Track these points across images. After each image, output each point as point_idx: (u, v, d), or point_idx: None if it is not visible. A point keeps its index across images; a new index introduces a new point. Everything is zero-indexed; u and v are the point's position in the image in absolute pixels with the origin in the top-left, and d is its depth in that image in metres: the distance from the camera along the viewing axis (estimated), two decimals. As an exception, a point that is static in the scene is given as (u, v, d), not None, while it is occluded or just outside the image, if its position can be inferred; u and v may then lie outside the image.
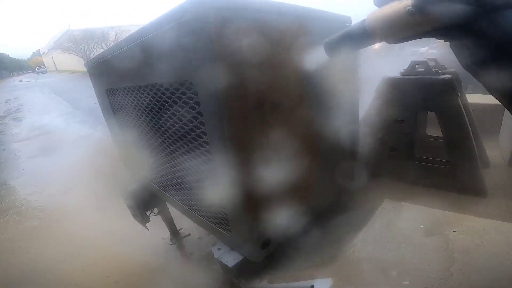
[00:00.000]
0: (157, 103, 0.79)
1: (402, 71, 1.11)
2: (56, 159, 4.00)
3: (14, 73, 64.96)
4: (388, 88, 1.12)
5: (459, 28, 0.33)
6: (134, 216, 1.57)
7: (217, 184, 0.70)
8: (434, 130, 1.33)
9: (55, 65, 49.56)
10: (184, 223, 1.89)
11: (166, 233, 1.80)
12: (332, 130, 0.84)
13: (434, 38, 0.41)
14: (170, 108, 0.72)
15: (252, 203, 0.65)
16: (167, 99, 0.72)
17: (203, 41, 0.52)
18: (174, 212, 1.69)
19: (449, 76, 0.96)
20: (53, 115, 7.52)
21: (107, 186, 2.55)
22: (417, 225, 0.60)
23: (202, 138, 0.65)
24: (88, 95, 10.78)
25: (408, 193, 0.83)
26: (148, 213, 1.54)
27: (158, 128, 0.86)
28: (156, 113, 0.82)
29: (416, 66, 1.07)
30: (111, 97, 1.19)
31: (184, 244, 1.79)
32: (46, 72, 48.29)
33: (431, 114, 1.30)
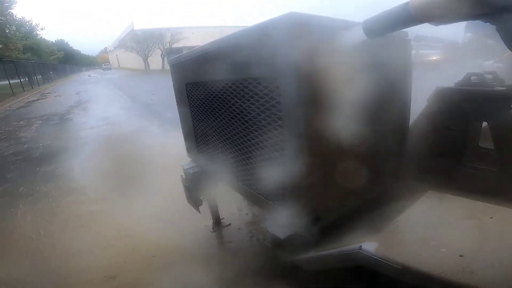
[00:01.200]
0: (237, 94, 0.97)
1: (456, 82, 1.16)
2: (118, 147, 4.52)
3: (84, 68, 72.76)
4: (441, 97, 1.17)
5: (506, 9, 0.34)
6: (189, 198, 1.77)
7: (282, 165, 0.85)
8: (488, 143, 1.34)
9: (118, 62, 54.25)
10: (226, 214, 2.08)
11: (209, 221, 2.00)
12: (383, 128, 0.95)
13: (481, 22, 0.40)
14: (250, 98, 0.90)
15: (310, 181, 0.79)
16: (249, 91, 0.90)
17: (289, 47, 0.69)
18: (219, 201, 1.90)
19: (503, 88, 1.00)
20: (116, 108, 8.37)
21: (161, 172, 2.88)
22: (457, 211, 0.69)
23: (277, 122, 0.81)
24: (144, 91, 11.92)
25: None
26: (201, 197, 1.74)
27: (235, 117, 1.04)
28: (235, 103, 1.01)
29: (472, 77, 1.11)
30: (189, 90, 1.42)
31: (224, 233, 1.97)
32: (110, 68, 53.34)
33: (485, 127, 1.31)
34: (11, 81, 17.06)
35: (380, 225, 0.74)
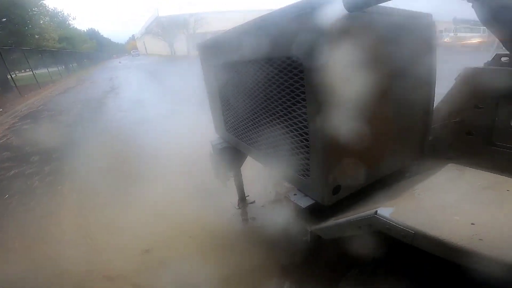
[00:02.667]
0: (263, 73, 1.03)
1: (486, 62, 1.13)
2: (151, 127, 4.75)
3: (114, 55, 75.62)
4: (470, 77, 1.15)
5: None
6: (217, 174, 1.88)
7: (307, 138, 0.91)
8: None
9: (145, 49, 55.57)
10: (251, 192, 2.18)
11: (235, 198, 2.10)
12: (407, 106, 0.97)
13: None
14: (275, 76, 0.95)
15: (332, 153, 0.84)
16: (274, 70, 0.95)
17: (315, 29, 0.72)
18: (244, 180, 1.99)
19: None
20: (147, 92, 8.73)
21: (191, 152, 3.03)
22: (476, 183, 0.70)
23: (301, 101, 0.87)
24: (171, 74, 12.23)
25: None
26: (228, 173, 1.84)
27: (260, 94, 1.10)
28: (261, 81, 1.06)
29: (502, 58, 1.08)
30: (217, 71, 1.49)
31: (248, 210, 2.07)
32: (139, 55, 54.99)
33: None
34: (49, 69, 18.24)
35: (398, 193, 0.78)
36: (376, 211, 0.68)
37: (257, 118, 1.21)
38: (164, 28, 35.23)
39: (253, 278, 1.58)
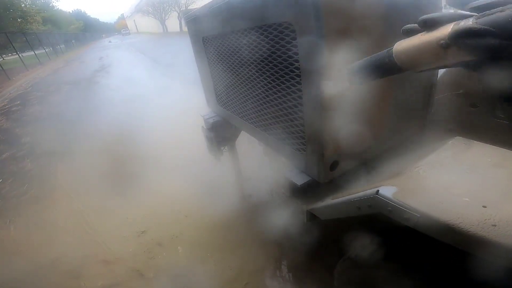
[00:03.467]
0: (253, 43, 0.93)
1: None
2: (144, 104, 4.66)
3: (103, 35, 73.10)
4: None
5: (493, 61, 0.32)
6: (210, 149, 1.82)
7: (301, 110, 0.83)
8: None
9: (136, 27, 54.03)
10: (246, 169, 2.13)
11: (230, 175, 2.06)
12: (409, 78, 0.89)
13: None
14: (267, 45, 0.86)
15: (328, 125, 0.77)
16: (265, 38, 0.86)
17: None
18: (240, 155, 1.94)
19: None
20: (139, 69, 8.56)
21: (185, 127, 2.96)
22: (485, 159, 0.64)
23: (295, 71, 0.78)
24: (164, 52, 11.91)
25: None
26: (222, 148, 1.78)
27: (252, 65, 1.01)
28: (251, 51, 0.97)
29: None
30: (206, 43, 1.38)
31: (244, 187, 2.05)
32: (129, 33, 53.46)
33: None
34: (36, 52, 17.82)
35: (400, 170, 0.72)
36: (378, 190, 0.62)
37: (249, 90, 1.13)
38: (154, 6, 34.10)
39: (249, 256, 1.57)
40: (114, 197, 2.28)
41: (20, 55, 14.71)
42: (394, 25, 0.76)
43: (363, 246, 0.96)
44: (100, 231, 1.99)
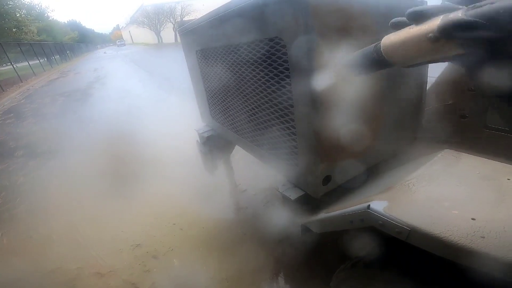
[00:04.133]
0: (246, 57, 0.95)
1: None
2: (140, 118, 4.64)
3: (99, 46, 73.39)
4: None
5: (483, 54, 0.31)
6: (205, 163, 1.82)
7: (294, 125, 0.84)
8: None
9: (131, 38, 54.36)
10: (242, 180, 2.14)
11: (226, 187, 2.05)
12: (398, 90, 0.91)
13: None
14: (258, 59, 0.88)
15: (321, 139, 0.78)
16: (256, 53, 0.87)
17: (294, 6, 0.65)
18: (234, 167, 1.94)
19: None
20: (134, 81, 8.53)
21: (178, 142, 2.96)
22: (474, 171, 0.65)
23: (285, 80, 0.79)
24: (159, 64, 11.97)
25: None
26: (216, 162, 1.78)
27: (244, 79, 1.02)
28: (243, 66, 0.99)
29: None
30: (199, 57, 1.40)
31: (240, 198, 2.04)
32: (124, 44, 53.73)
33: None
34: (30, 62, 17.61)
35: (391, 184, 0.73)
36: (369, 205, 0.63)
37: (241, 105, 1.14)
38: (149, 17, 34.45)
39: (246, 269, 1.55)
40: (107, 209, 2.26)
41: (14, 65, 14.54)
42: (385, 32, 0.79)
43: (361, 254, 0.96)
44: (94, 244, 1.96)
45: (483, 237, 0.49)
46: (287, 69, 0.77)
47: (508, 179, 0.62)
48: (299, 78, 0.74)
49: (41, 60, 20.44)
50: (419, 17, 0.36)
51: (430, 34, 0.34)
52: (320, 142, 0.78)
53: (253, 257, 1.58)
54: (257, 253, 1.60)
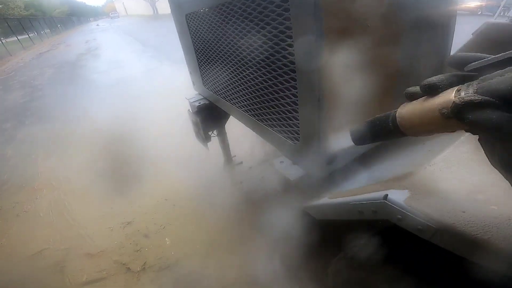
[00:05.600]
0: (241, 18, 0.80)
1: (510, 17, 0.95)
2: (130, 88, 4.49)
3: (91, 19, 70.53)
4: (490, 31, 0.96)
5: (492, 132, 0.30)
6: (197, 134, 1.71)
7: (295, 97, 0.71)
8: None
9: (125, 10, 52.32)
10: (237, 151, 2.03)
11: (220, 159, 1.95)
12: (419, 55, 0.77)
13: None
14: (258, 22, 0.73)
15: (326, 109, 0.66)
16: (253, 10, 0.73)
17: None
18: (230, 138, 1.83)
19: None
20: (127, 52, 8.30)
21: (174, 111, 2.83)
22: (509, 152, 0.55)
23: (286, 41, 0.66)
24: (154, 35, 11.56)
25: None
26: (210, 133, 1.67)
27: (238, 41, 0.88)
28: (240, 28, 0.84)
29: None
30: (190, 21, 1.24)
31: (235, 172, 1.95)
32: (118, 17, 51.82)
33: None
34: (19, 37, 17.33)
35: (412, 168, 0.61)
36: (386, 194, 0.52)
37: (235, 71, 1.01)
38: (144, -13, 32.92)
39: (238, 249, 1.48)
40: (97, 186, 2.18)
41: (2, 40, 14.22)
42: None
43: (360, 246, 0.87)
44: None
45: None
46: (289, 27, 0.63)
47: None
48: (303, 37, 0.60)
49: (30, 35, 19.99)
50: (432, 89, 0.36)
51: (444, 110, 0.33)
52: (325, 112, 0.65)
53: (246, 239, 1.52)
54: (250, 235, 1.52)
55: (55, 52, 12.05)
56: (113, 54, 8.25)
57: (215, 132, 1.69)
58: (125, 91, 4.40)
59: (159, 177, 2.11)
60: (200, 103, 1.49)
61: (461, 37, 0.98)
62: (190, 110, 1.60)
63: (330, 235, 0.98)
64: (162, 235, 1.66)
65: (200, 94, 1.57)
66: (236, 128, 1.71)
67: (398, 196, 0.50)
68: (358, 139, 0.51)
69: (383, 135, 0.46)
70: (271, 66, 0.76)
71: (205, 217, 1.71)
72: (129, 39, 11.97)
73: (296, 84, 0.69)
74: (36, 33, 22.16)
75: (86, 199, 2.09)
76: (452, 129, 0.35)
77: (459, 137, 0.63)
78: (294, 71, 0.67)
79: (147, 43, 9.42)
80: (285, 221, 1.14)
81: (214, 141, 1.76)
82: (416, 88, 0.40)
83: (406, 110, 0.41)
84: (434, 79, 0.36)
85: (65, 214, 1.98)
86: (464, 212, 0.45)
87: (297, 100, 0.71)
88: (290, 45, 0.65)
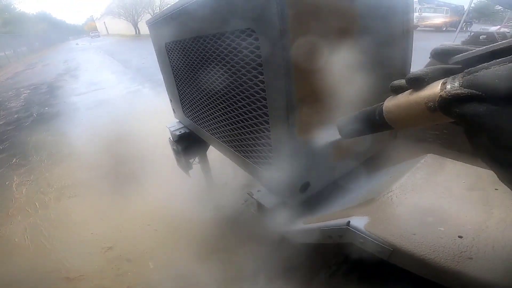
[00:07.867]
0: (216, 51, 0.85)
1: (463, 40, 1.08)
2: (110, 110, 4.43)
3: (70, 37, 69.71)
4: (446, 55, 1.06)
5: (479, 125, 0.31)
6: (178, 162, 1.71)
7: (268, 126, 0.76)
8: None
9: (106, 30, 52.25)
10: (220, 176, 2.03)
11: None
12: (379, 87, 0.85)
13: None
14: (229, 54, 0.79)
15: (299, 146, 0.71)
16: (227, 46, 0.78)
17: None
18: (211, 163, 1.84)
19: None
20: (107, 73, 8.20)
21: (153, 135, 2.82)
22: (459, 180, 0.61)
23: (258, 78, 0.71)
24: (135, 55, 11.55)
25: (453, 154, 0.82)
26: (191, 160, 1.68)
27: (214, 75, 0.93)
28: (213, 60, 0.89)
29: (481, 37, 1.03)
30: (169, 50, 1.29)
31: (217, 196, 1.91)
32: (99, 36, 51.41)
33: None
34: None
35: (373, 194, 0.67)
36: (349, 221, 0.57)
37: (212, 102, 1.05)
38: (126, 7, 33.15)
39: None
40: (76, 211, 2.11)
41: None
42: (365, 27, 0.72)
43: (338, 264, 0.91)
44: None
45: (471, 258, 0.45)
46: (260, 65, 0.68)
47: (496, 189, 0.58)
48: (272, 73, 0.65)
49: (6, 53, 19.34)
50: (417, 82, 0.36)
51: (430, 104, 0.34)
52: (297, 145, 0.70)
53: (230, 263, 1.51)
54: (232, 259, 1.52)
55: (32, 72, 11.71)
56: (93, 75, 8.14)
57: (196, 159, 1.71)
58: (104, 115, 4.34)
59: (140, 202, 2.07)
60: (181, 132, 1.52)
61: (426, 54, 1.07)
62: (171, 138, 1.62)
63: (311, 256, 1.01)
64: (146, 259, 1.61)
65: (180, 122, 1.60)
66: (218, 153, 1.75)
67: (359, 222, 0.55)
68: (346, 133, 0.52)
69: (371, 128, 0.47)
70: (245, 100, 0.81)
71: (188, 241, 1.69)
72: (109, 59, 11.91)
73: (268, 119, 0.74)
74: (12, 51, 21.55)
75: (64, 225, 2.00)
76: (438, 122, 0.36)
77: (416, 164, 0.70)
78: (266, 107, 0.72)
79: (126, 64, 9.40)
80: (267, 244, 1.16)
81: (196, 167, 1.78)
82: (402, 82, 0.40)
83: (393, 103, 0.41)
84: (419, 72, 0.37)
85: (42, 239, 1.90)
86: (414, 234, 0.50)
87: (270, 135, 0.76)
88: (262, 82, 0.70)
